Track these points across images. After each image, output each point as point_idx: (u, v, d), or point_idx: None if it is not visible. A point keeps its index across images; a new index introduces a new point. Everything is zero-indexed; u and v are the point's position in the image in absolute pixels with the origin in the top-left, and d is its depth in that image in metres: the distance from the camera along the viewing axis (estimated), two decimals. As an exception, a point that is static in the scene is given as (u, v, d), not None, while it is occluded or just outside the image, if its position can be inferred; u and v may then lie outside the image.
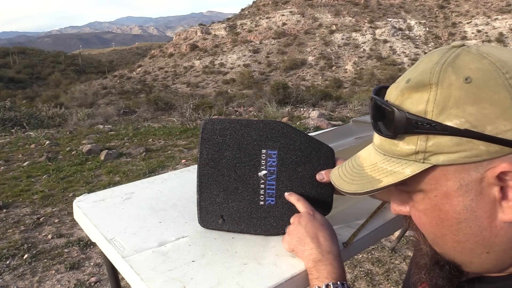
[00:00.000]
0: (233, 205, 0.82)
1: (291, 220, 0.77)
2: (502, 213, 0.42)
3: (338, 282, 0.63)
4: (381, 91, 0.54)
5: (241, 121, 0.82)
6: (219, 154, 0.82)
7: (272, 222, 0.81)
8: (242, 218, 0.82)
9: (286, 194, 0.79)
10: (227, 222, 0.83)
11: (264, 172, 0.81)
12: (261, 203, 0.81)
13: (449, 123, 0.41)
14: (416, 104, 0.44)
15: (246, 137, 0.81)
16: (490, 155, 0.41)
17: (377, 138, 0.52)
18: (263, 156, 0.80)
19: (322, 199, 0.80)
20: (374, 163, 0.51)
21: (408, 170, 0.46)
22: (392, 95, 0.48)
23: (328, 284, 0.63)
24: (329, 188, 0.79)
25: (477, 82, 0.41)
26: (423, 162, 0.44)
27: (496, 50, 0.44)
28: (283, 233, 0.77)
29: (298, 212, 0.78)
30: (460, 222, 0.45)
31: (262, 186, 0.81)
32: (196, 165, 0.86)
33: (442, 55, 0.45)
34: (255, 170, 0.81)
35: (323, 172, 0.77)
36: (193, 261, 0.74)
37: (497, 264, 0.46)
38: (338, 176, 0.60)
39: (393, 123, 0.45)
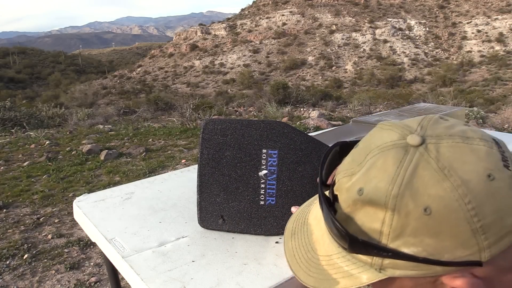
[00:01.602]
0: (233, 205, 0.82)
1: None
2: None
3: None
4: (331, 155, 0.52)
5: (241, 121, 0.82)
6: (220, 154, 0.82)
7: (272, 222, 0.81)
8: (242, 218, 0.82)
9: (292, 208, 0.78)
10: (227, 222, 0.83)
11: (264, 171, 0.81)
12: (262, 202, 0.81)
13: (406, 251, 0.40)
14: (370, 220, 0.42)
15: (247, 137, 0.81)
16: (446, 272, 0.40)
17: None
18: (264, 156, 0.81)
19: None
20: (329, 254, 0.49)
21: (365, 276, 0.44)
22: (343, 195, 0.45)
23: None
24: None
25: (437, 214, 0.38)
26: (380, 272, 0.43)
27: (460, 156, 0.39)
28: (283, 233, 0.77)
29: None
30: None
31: (263, 185, 0.81)
32: (196, 165, 0.86)
33: (398, 164, 0.40)
34: (255, 169, 0.81)
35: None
36: (193, 261, 0.74)
37: None
38: (292, 255, 0.55)
39: (345, 242, 0.43)
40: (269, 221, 0.81)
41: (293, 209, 0.76)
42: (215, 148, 0.83)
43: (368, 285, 0.56)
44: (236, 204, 0.82)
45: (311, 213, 0.57)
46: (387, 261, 0.41)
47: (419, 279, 0.42)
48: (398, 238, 0.40)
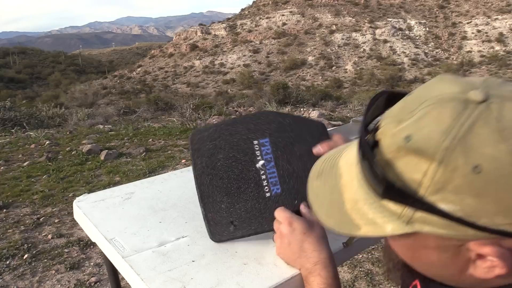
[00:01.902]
0: (240, 206, 0.79)
1: (275, 226, 0.74)
2: (473, 269, 0.42)
3: None
4: (377, 102, 0.48)
5: (226, 121, 0.82)
6: (213, 159, 0.81)
7: None
8: (252, 217, 0.78)
9: (275, 213, 0.75)
10: (238, 227, 0.78)
11: (261, 162, 0.79)
12: (267, 194, 0.78)
13: (442, 206, 0.38)
14: (411, 169, 0.40)
15: (235, 135, 0.81)
16: (476, 237, 0.39)
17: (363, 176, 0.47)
18: (257, 147, 0.80)
19: None
20: (356, 199, 0.47)
21: (389, 227, 0.42)
22: (387, 140, 0.42)
23: None
24: None
25: (487, 175, 0.36)
26: (406, 225, 0.41)
27: None
28: None
29: (306, 195, 0.75)
30: (431, 266, 0.46)
31: (264, 177, 0.79)
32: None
33: (455, 117, 0.38)
34: (252, 163, 0.79)
35: (318, 145, 0.76)
36: (193, 261, 0.74)
37: None
38: (315, 195, 0.54)
39: (380, 187, 0.41)
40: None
41: (315, 149, 0.76)
42: (206, 154, 0.81)
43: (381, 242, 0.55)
44: (243, 205, 0.79)
45: (342, 157, 0.54)
46: (418, 214, 0.40)
47: (444, 240, 0.41)
48: (438, 192, 0.38)
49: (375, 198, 0.44)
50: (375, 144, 0.44)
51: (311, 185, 0.56)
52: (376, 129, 0.46)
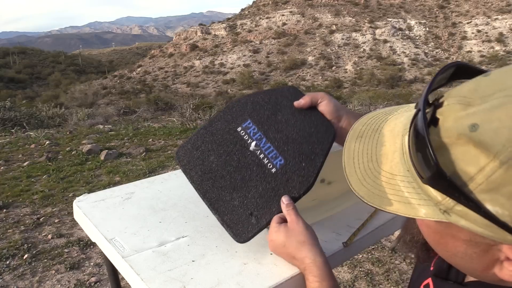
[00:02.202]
0: (253, 195, 0.76)
1: (272, 223, 0.73)
2: (498, 270, 0.41)
3: None
4: (444, 74, 0.44)
5: (203, 125, 0.84)
6: (205, 163, 0.81)
7: (295, 179, 0.74)
8: (269, 199, 0.75)
9: (283, 208, 0.73)
10: (260, 216, 0.75)
11: (253, 143, 0.78)
12: (273, 170, 0.76)
13: (489, 207, 0.35)
14: (466, 161, 0.36)
15: (217, 133, 0.81)
16: None
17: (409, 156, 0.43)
18: (242, 133, 0.80)
19: (319, 123, 0.76)
20: (394, 173, 0.44)
21: (423, 210, 0.40)
22: (449, 123, 0.38)
23: None
24: (317, 114, 0.77)
25: None
26: (443, 213, 0.39)
27: None
28: (313, 181, 0.74)
29: (310, 153, 0.74)
30: (455, 255, 0.44)
31: (262, 156, 0.77)
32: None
33: None
34: (245, 149, 0.79)
35: (300, 99, 0.77)
36: (193, 261, 0.74)
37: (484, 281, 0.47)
38: (351, 157, 0.51)
39: (426, 172, 0.38)
40: (291, 182, 0.74)
41: (296, 103, 0.77)
42: (197, 163, 0.82)
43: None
44: (255, 192, 0.76)
45: (388, 123, 0.50)
46: (459, 207, 0.37)
47: (477, 237, 0.39)
48: (489, 192, 0.35)
49: (416, 177, 0.41)
50: (433, 121, 0.40)
51: (349, 146, 0.52)
52: (438, 105, 0.41)
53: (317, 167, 0.74)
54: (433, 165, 0.37)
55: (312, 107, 0.77)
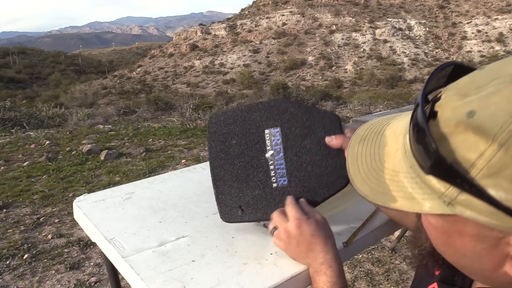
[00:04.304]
0: (248, 193, 0.80)
1: (277, 223, 0.74)
2: (509, 267, 0.40)
3: None
4: (441, 72, 0.44)
5: (243, 106, 0.82)
6: (227, 144, 0.82)
7: None
8: (259, 204, 0.79)
9: (286, 203, 0.75)
10: (246, 212, 0.80)
11: (271, 152, 0.79)
12: (274, 185, 0.78)
13: (492, 193, 0.35)
14: (467, 148, 0.36)
15: (249, 122, 0.80)
16: None
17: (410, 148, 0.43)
18: (267, 137, 0.79)
19: (336, 172, 0.75)
20: (397, 170, 0.45)
21: (428, 204, 0.40)
22: (447, 113, 0.39)
23: None
24: (341, 156, 0.74)
25: None
26: (447, 206, 0.39)
27: None
28: None
29: (312, 191, 0.75)
30: (464, 255, 0.43)
31: (272, 167, 0.78)
32: (197, 165, 0.87)
33: None
34: (261, 152, 0.79)
35: (333, 136, 0.73)
36: (193, 261, 0.74)
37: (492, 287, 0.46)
38: (355, 160, 0.52)
39: (428, 161, 0.38)
40: (283, 204, 0.77)
41: (328, 138, 0.74)
42: (221, 139, 0.83)
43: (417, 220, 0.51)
44: (251, 192, 0.80)
45: (389, 126, 0.51)
46: (463, 196, 0.37)
47: (484, 230, 0.38)
48: (491, 177, 0.35)
49: (419, 172, 0.41)
50: (432, 115, 0.41)
51: (352, 150, 0.54)
52: (435, 100, 0.42)
53: (311, 206, 0.76)
54: (434, 152, 0.37)
55: (341, 149, 0.75)
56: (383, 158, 0.48)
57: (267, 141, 0.79)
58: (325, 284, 0.66)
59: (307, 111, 0.76)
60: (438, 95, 0.42)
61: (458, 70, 0.45)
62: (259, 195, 0.79)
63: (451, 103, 0.39)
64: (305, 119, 0.76)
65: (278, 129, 0.78)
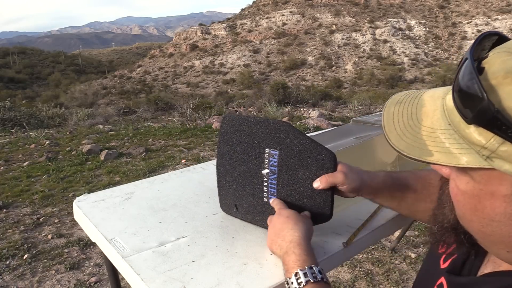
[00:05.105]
0: (243, 197, 0.87)
1: (269, 220, 0.80)
2: None
3: (306, 267, 0.63)
4: (487, 39, 0.45)
5: (253, 118, 0.85)
6: (232, 148, 0.86)
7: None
8: (250, 210, 0.87)
9: (270, 201, 0.82)
10: (239, 212, 0.89)
11: (266, 171, 0.82)
12: (265, 199, 0.84)
13: None
14: None
15: (255, 135, 0.83)
16: None
17: (451, 99, 0.44)
18: (266, 155, 0.82)
19: (320, 207, 0.78)
20: (434, 128, 0.46)
21: (465, 159, 0.41)
22: (495, 67, 0.39)
23: (296, 272, 0.63)
24: (328, 196, 0.77)
25: None
26: (485, 160, 0.39)
27: None
28: None
29: (298, 211, 0.79)
30: (493, 220, 0.43)
31: (265, 183, 0.83)
32: (197, 165, 0.88)
33: None
34: (259, 167, 0.83)
35: (319, 179, 0.75)
36: (193, 261, 0.74)
37: None
38: (391, 119, 0.53)
39: (475, 110, 0.38)
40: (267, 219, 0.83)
41: (315, 183, 0.76)
42: (228, 142, 0.87)
43: (442, 191, 0.52)
44: (245, 197, 0.87)
45: (427, 92, 0.52)
46: (504, 147, 0.37)
47: None
48: None
49: (459, 127, 0.42)
50: (479, 71, 0.40)
51: (388, 110, 0.54)
52: (482, 58, 0.42)
53: None
54: (481, 99, 0.37)
55: (328, 189, 0.77)
56: (420, 117, 0.49)
57: (265, 159, 0.82)
58: (295, 263, 0.65)
59: (306, 142, 0.78)
60: (485, 55, 0.42)
61: (503, 41, 0.46)
62: (251, 202, 0.86)
63: (499, 58, 0.40)
64: (302, 151, 0.78)
65: (277, 152, 0.80)
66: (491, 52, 0.42)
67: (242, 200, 0.87)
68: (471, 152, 0.40)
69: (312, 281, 0.61)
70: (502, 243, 0.44)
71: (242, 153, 0.85)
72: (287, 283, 0.64)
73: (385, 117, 0.54)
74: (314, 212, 0.78)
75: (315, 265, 0.64)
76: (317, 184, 0.75)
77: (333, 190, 0.76)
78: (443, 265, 0.57)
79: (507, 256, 0.45)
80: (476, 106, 0.38)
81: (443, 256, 0.59)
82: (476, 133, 0.39)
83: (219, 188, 0.92)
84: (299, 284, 0.62)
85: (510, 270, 0.46)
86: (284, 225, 0.72)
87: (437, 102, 0.48)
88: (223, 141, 0.88)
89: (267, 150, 0.82)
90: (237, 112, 13.10)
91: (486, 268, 0.51)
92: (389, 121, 0.53)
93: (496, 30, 0.47)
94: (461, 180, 0.45)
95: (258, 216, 0.86)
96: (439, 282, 0.55)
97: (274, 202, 0.81)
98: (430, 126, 0.46)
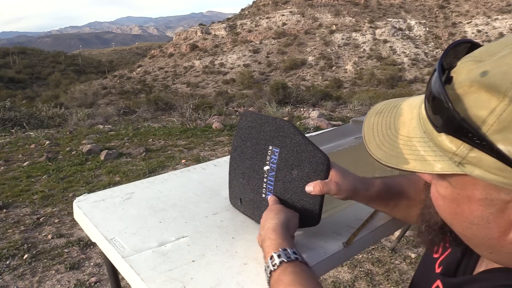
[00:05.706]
0: (247, 192, 0.90)
1: None
2: None
3: (280, 249, 0.64)
4: (458, 47, 0.46)
5: (265, 116, 0.87)
6: (244, 143, 0.89)
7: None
8: (251, 205, 0.90)
9: (268, 197, 0.84)
10: (243, 205, 0.92)
11: (267, 167, 0.84)
12: (263, 195, 0.86)
13: (501, 147, 0.36)
14: (478, 106, 0.38)
15: (263, 132, 0.85)
16: None
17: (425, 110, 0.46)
18: (269, 152, 0.84)
19: (308, 211, 0.79)
20: (410, 136, 0.47)
21: (439, 165, 0.42)
22: (461, 76, 0.41)
23: (271, 256, 0.64)
24: (317, 201, 0.78)
25: None
26: (457, 166, 0.41)
27: None
28: None
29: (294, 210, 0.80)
30: (472, 223, 0.44)
31: (265, 180, 0.85)
32: (196, 165, 0.88)
33: None
34: (262, 164, 0.85)
35: (312, 184, 0.75)
36: (193, 261, 0.74)
37: (497, 261, 0.47)
38: (371, 129, 0.55)
39: (443, 119, 0.40)
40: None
41: (307, 187, 0.76)
42: (243, 138, 0.90)
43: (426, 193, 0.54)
44: (248, 192, 0.90)
45: (406, 101, 0.54)
46: (473, 154, 0.38)
47: (492, 192, 0.40)
48: (500, 132, 0.36)
49: (432, 136, 0.43)
50: (447, 81, 0.42)
51: (368, 121, 0.57)
52: (451, 68, 0.44)
53: None
54: (447, 109, 0.39)
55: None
56: (397, 126, 0.51)
57: (267, 156, 0.84)
58: (269, 247, 0.66)
59: (303, 143, 0.79)
60: (454, 64, 0.44)
61: (475, 48, 0.47)
62: (252, 198, 0.89)
63: (466, 67, 0.41)
64: (299, 151, 0.79)
65: (278, 150, 0.82)
66: (460, 61, 0.44)
67: (245, 194, 0.90)
68: (445, 159, 0.42)
69: (286, 261, 0.62)
70: (483, 245, 0.46)
71: (251, 149, 0.88)
72: (265, 270, 0.64)
73: (365, 128, 0.56)
74: (302, 214, 0.78)
75: (290, 248, 0.65)
76: (310, 188, 0.76)
77: (323, 197, 0.77)
78: (438, 270, 0.58)
79: (490, 257, 0.47)
80: (444, 115, 0.40)
81: (438, 261, 0.60)
82: (447, 141, 0.41)
83: (230, 180, 0.95)
84: (273, 266, 0.62)
85: (502, 267, 0.47)
86: (266, 216, 0.74)
87: (414, 111, 0.50)
88: (237, 136, 0.92)
89: (270, 148, 0.84)
90: (237, 112, 13.10)
91: (481, 267, 0.52)
92: (369, 132, 0.55)
93: (468, 38, 0.51)
94: (440, 185, 0.47)
95: (256, 211, 0.88)
96: (434, 285, 0.56)
97: (270, 199, 0.82)
98: (407, 135, 0.48)
